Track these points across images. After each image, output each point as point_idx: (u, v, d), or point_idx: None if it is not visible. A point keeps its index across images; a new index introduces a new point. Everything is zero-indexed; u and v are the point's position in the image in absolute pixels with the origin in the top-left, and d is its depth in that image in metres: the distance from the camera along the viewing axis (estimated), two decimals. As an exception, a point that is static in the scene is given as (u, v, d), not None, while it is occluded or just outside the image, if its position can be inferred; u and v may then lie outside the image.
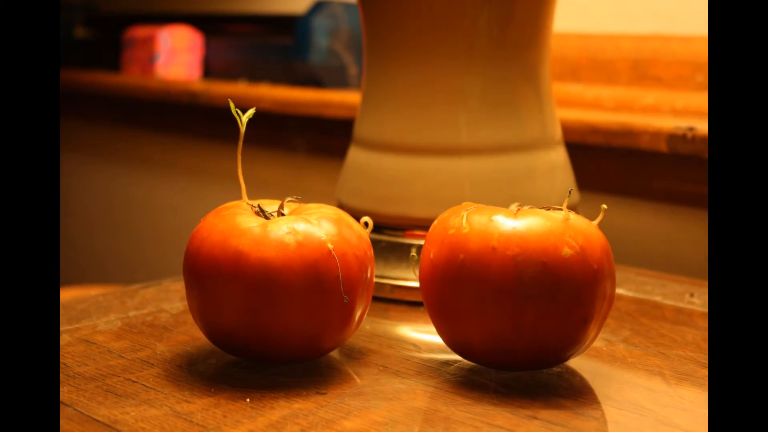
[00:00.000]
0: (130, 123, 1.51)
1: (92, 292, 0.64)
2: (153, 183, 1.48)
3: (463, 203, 0.50)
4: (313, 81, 1.18)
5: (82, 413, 0.43)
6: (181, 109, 1.35)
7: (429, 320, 0.50)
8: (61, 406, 0.43)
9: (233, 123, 1.27)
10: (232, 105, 0.49)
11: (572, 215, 0.47)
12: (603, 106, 0.96)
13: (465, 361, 0.51)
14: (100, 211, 1.60)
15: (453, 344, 0.49)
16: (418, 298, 0.61)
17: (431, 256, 0.48)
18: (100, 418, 0.42)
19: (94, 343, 0.53)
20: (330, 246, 0.46)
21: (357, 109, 0.69)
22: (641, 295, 0.66)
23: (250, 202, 0.49)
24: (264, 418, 0.43)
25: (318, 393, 0.46)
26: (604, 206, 0.48)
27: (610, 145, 0.84)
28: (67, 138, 1.55)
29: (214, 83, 1.28)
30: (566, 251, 0.45)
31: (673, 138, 0.79)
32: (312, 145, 1.20)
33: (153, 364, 0.49)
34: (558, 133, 0.68)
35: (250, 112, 0.48)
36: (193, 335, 0.54)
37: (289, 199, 0.50)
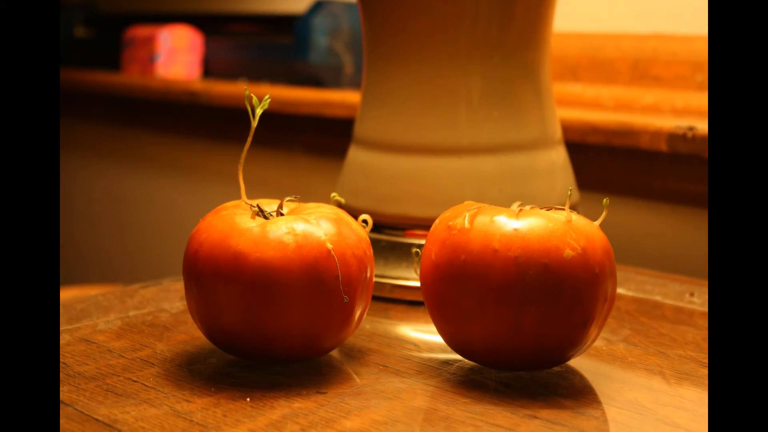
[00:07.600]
0: (130, 123, 1.51)
1: (92, 291, 0.64)
2: (152, 183, 1.48)
3: (465, 202, 0.50)
4: (313, 80, 1.18)
5: (82, 413, 0.43)
6: (181, 108, 1.35)
7: (429, 320, 0.50)
8: (61, 406, 0.43)
9: (233, 123, 1.28)
10: (247, 93, 0.47)
11: (574, 216, 0.47)
12: (603, 106, 0.96)
13: (465, 360, 0.51)
14: (100, 210, 1.60)
15: (453, 344, 0.49)
16: (418, 297, 0.61)
17: (432, 256, 0.48)
18: (100, 418, 0.42)
19: (94, 343, 0.53)
20: (329, 246, 0.46)
21: (357, 108, 0.69)
22: (641, 295, 0.66)
23: (249, 202, 0.49)
24: (264, 417, 0.43)
25: (318, 392, 0.46)
26: (606, 200, 0.48)
27: (610, 145, 0.84)
28: (67, 138, 1.55)
29: (214, 83, 1.27)
30: (568, 253, 0.45)
31: (673, 138, 0.79)
32: (312, 145, 1.20)
33: (153, 364, 0.49)
34: (558, 132, 0.68)
35: (265, 102, 0.47)
36: (193, 335, 0.54)
37: (288, 198, 0.50)
